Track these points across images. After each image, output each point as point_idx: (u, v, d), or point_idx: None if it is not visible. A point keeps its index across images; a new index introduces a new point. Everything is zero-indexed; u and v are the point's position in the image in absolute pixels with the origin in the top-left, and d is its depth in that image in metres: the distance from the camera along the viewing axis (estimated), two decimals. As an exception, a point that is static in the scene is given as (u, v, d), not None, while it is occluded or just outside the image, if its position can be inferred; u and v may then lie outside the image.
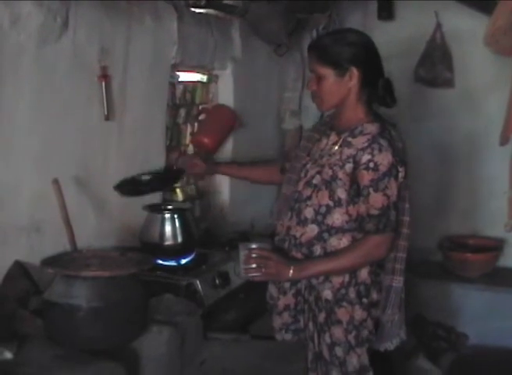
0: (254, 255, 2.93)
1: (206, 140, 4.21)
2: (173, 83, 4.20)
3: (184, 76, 4.32)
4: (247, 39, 4.59)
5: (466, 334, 4.89)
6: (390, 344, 3.17)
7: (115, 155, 3.57)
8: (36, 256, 2.85)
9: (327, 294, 2.99)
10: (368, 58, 2.97)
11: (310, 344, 3.08)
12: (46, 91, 3.10)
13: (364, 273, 2.99)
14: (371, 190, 2.85)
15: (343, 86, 2.94)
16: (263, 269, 2.92)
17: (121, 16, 3.50)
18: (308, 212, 2.99)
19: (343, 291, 2.98)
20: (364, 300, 3.01)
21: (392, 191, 2.85)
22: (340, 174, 2.90)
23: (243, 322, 3.40)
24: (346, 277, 2.97)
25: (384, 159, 2.84)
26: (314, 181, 2.98)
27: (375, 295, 3.05)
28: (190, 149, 4.43)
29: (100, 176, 3.48)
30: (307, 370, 3.05)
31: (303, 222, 3.01)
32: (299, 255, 3.04)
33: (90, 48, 3.33)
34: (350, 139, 2.94)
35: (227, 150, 4.63)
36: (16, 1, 2.86)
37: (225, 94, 4.63)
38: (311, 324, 3.07)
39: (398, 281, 3.04)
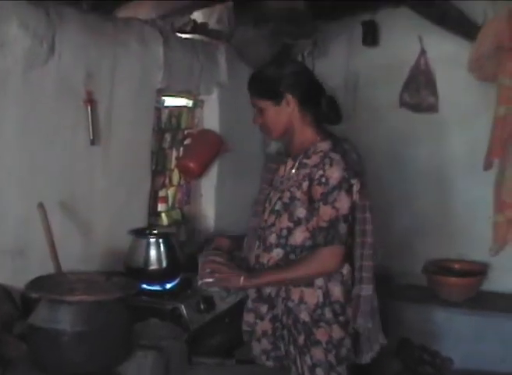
0: (208, 262, 3.02)
1: (191, 164, 4.23)
2: (159, 108, 4.22)
3: (170, 101, 4.35)
4: (233, 64, 4.62)
5: (451, 358, 4.89)
6: (372, 353, 3.16)
7: (100, 180, 3.58)
8: (20, 280, 2.85)
9: (304, 315, 3.00)
10: (299, 83, 3.04)
11: (293, 368, 3.07)
12: (32, 116, 3.12)
13: (337, 292, 3.01)
14: (321, 203, 2.91)
15: (283, 113, 3.03)
16: (216, 275, 2.98)
17: (107, 40, 3.52)
18: (272, 238, 3.04)
19: (318, 311, 3.00)
20: (341, 318, 3.03)
21: (342, 204, 2.90)
22: (298, 194, 2.97)
23: (228, 346, 3.39)
24: (320, 298, 2.99)
25: (334, 173, 2.90)
26: (277, 207, 3.04)
27: (350, 313, 3.07)
28: (176, 174, 4.45)
29: (85, 200, 3.48)
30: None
31: (268, 248, 3.06)
32: None
33: (75, 73, 3.35)
34: (305, 160, 3.01)
35: (212, 175, 4.64)
36: (3, 25, 2.88)
37: (211, 119, 4.65)
38: (292, 347, 3.06)
39: (367, 290, 3.04)
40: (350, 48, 5.45)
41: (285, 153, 3.18)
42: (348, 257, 3.02)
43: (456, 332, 4.87)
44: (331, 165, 2.90)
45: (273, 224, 3.04)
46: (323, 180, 2.89)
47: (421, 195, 5.39)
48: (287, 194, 3.00)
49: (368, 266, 3.04)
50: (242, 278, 2.96)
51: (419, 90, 5.25)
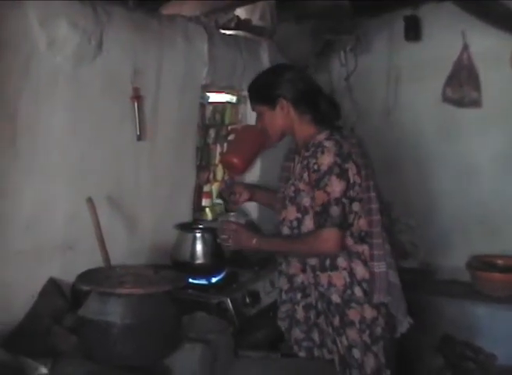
0: (226, 226, 3.21)
1: (235, 160, 4.23)
2: (203, 104, 4.25)
3: (214, 97, 4.38)
4: (276, 60, 4.62)
5: (494, 355, 4.85)
6: (401, 329, 3.26)
7: (146, 175, 3.63)
8: (69, 274, 2.91)
9: (335, 297, 3.10)
10: (293, 88, 3.17)
11: (334, 348, 3.16)
12: (80, 112, 3.17)
13: (360, 271, 3.10)
14: (315, 189, 3.01)
15: (278, 116, 3.19)
16: (231, 237, 3.17)
17: (153, 37, 3.57)
18: (285, 230, 3.18)
19: (348, 291, 3.09)
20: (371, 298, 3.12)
21: (333, 188, 2.98)
22: (301, 186, 3.09)
23: (273, 340, 3.41)
24: (347, 278, 3.09)
25: (325, 159, 2.99)
26: (286, 202, 3.17)
27: None
28: (220, 169, 4.47)
29: (132, 195, 3.54)
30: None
31: None
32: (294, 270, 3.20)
33: (123, 70, 3.40)
34: (306, 153, 3.12)
35: (256, 170, 4.66)
36: (53, 24, 2.93)
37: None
38: (330, 329, 3.15)
39: (378, 267, 3.11)
40: (393, 43, 5.43)
41: (295, 151, 3.29)
42: (361, 238, 3.12)
43: (500, 328, 4.82)
44: (322, 152, 3.01)
45: (284, 218, 3.17)
46: (315, 167, 3.00)
47: (462, 191, 5.35)
48: (292, 188, 3.13)
49: (378, 243, 3.12)
50: (254, 240, 3.13)
51: (462, 85, 5.21)
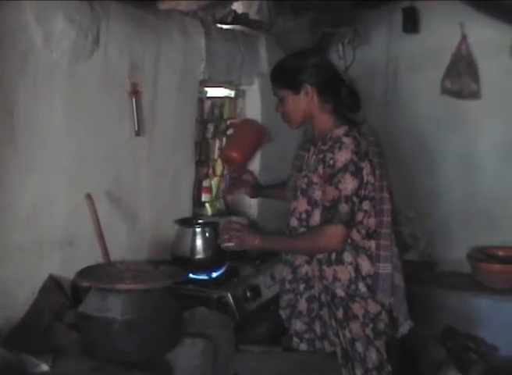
0: (228, 228, 3.14)
1: (235, 154, 4.25)
2: (201, 99, 4.24)
3: (212, 92, 4.37)
4: (274, 54, 4.61)
5: (496, 346, 4.85)
6: (403, 329, 3.28)
7: (145, 170, 3.63)
8: (69, 270, 2.90)
9: (339, 291, 3.12)
10: (318, 74, 3.17)
11: (336, 340, 3.17)
12: (78, 108, 3.16)
13: (365, 266, 3.12)
14: (327, 184, 3.02)
15: (301, 102, 3.18)
16: (233, 240, 3.10)
17: (150, 32, 3.56)
18: (293, 222, 3.19)
19: (352, 286, 3.11)
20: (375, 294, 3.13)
21: (346, 185, 2.99)
22: (315, 178, 3.10)
23: (275, 334, 3.41)
24: (352, 273, 3.11)
25: (342, 156, 3.00)
26: (297, 193, 3.18)
27: None
28: (219, 164, 4.47)
29: (131, 190, 3.53)
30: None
31: (291, 230, 3.21)
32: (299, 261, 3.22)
33: (120, 65, 3.39)
34: (322, 147, 3.12)
35: (255, 164, 4.66)
36: (49, 20, 2.92)
37: (253, 109, 4.68)
38: (333, 322, 3.16)
39: (384, 268, 3.12)
40: (391, 35, 5.42)
41: (310, 140, 3.30)
42: (369, 234, 3.13)
43: (501, 319, 4.82)
44: (340, 148, 3.01)
45: (295, 209, 3.18)
46: (331, 162, 3.01)
47: (463, 182, 5.35)
48: (304, 180, 3.14)
49: (386, 244, 3.13)
50: (257, 239, 3.08)
51: (461, 76, 5.19)
